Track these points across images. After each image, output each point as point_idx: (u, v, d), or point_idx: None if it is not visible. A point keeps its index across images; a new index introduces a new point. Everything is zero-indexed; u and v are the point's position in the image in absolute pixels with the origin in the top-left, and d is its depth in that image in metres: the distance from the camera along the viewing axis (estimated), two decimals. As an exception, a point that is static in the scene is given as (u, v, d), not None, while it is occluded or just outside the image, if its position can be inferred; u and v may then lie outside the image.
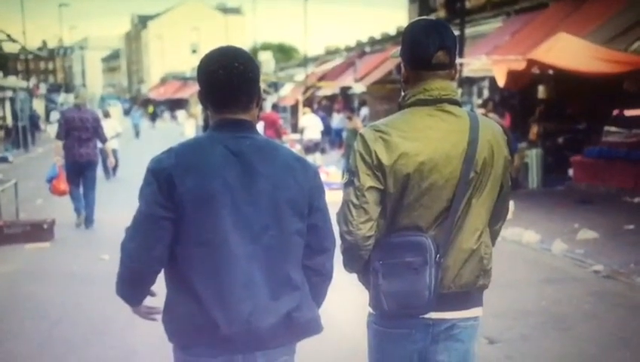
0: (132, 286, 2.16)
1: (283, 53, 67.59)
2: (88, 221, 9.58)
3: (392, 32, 26.78)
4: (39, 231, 8.65)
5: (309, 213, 2.15)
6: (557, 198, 11.49)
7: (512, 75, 10.61)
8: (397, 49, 2.41)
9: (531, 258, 7.89)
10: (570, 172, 12.38)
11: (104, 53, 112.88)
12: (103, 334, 5.31)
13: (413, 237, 2.19)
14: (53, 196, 9.75)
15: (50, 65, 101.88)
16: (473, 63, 12.10)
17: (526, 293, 6.41)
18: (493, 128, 2.28)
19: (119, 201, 11.89)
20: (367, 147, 2.18)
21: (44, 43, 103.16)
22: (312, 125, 16.80)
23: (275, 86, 31.53)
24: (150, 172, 2.06)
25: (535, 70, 10.96)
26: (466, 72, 12.39)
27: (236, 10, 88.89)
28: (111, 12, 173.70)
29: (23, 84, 30.99)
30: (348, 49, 32.35)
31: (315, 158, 16.23)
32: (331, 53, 35.13)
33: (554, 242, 8.27)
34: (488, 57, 11.76)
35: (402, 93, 2.33)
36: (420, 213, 2.20)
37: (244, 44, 70.53)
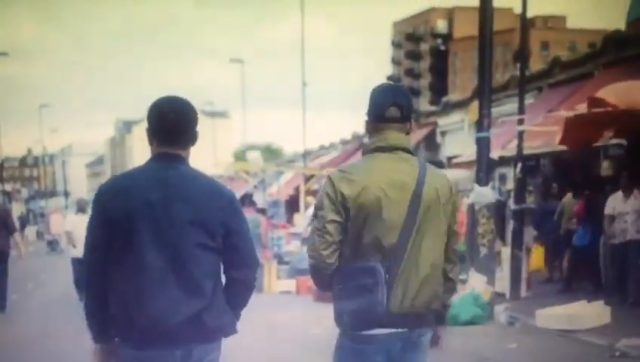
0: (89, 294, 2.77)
1: (270, 153, 67.07)
2: (1, 306, 10.55)
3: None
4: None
5: (227, 234, 2.73)
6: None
7: (572, 127, 8.63)
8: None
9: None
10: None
11: (88, 159, 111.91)
12: None
13: (367, 263, 2.70)
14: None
15: (35, 172, 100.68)
16: (533, 130, 10.22)
17: None
18: (440, 177, 2.84)
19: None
20: (332, 185, 2.73)
21: (29, 151, 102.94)
22: (314, 217, 14.39)
23: (264, 185, 29.86)
24: (94, 200, 2.72)
25: (609, 137, 8.99)
26: (527, 147, 10.45)
27: (222, 114, 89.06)
28: (94, 118, 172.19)
29: (-2, 187, 29.30)
30: (344, 142, 31.87)
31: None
32: (325, 148, 34.37)
33: None
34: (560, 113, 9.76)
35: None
36: (375, 243, 2.71)
37: (231, 145, 70.12)
